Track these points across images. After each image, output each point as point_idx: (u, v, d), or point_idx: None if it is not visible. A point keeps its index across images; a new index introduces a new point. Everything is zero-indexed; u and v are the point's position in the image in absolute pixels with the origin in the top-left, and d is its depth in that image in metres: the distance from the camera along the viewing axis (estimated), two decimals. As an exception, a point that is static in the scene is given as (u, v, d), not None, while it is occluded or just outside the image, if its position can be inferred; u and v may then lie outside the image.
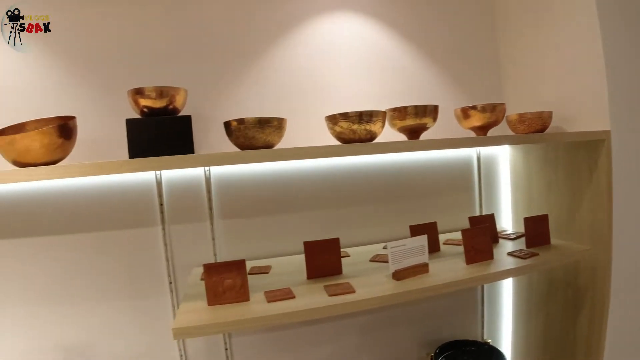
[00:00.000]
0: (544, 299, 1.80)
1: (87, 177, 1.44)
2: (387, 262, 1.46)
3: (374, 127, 1.33)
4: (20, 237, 1.48)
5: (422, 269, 1.39)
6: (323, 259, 1.40)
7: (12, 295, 1.50)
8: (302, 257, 1.55)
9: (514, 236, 1.74)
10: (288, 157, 1.25)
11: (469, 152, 1.89)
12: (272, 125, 1.27)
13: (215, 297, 1.24)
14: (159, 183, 1.52)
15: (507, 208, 1.96)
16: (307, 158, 1.28)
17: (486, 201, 1.92)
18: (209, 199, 1.56)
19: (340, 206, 1.73)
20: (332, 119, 1.32)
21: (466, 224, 1.83)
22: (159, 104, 1.30)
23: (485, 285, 1.95)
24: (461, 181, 1.89)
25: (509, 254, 1.52)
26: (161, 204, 1.53)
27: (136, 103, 1.29)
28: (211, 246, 1.58)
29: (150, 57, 1.54)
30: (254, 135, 1.26)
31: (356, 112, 1.29)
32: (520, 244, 1.62)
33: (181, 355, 1.59)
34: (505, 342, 2.01)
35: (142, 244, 1.54)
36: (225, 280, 1.25)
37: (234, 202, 1.61)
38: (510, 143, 1.69)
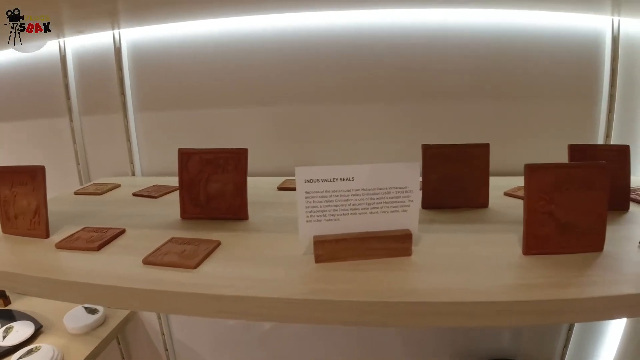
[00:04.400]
0: None
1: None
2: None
3: None
4: None
5: (393, 245, 0.50)
6: (211, 187, 0.63)
7: None
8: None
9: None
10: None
11: (598, 25, 0.75)
12: None
13: (7, 221, 0.63)
14: (62, 57, 0.93)
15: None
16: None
17: (620, 123, 0.77)
18: (121, 81, 0.91)
19: (345, 99, 0.86)
20: None
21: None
22: None
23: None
24: (573, 79, 0.77)
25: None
26: (67, 86, 0.94)
27: None
28: (126, 150, 0.95)
29: None
30: None
31: None
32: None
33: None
34: None
35: (50, 137, 1.00)
36: (18, 198, 0.62)
37: (159, 86, 0.91)
38: None
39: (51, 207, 0.64)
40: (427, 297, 0.42)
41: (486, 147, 0.65)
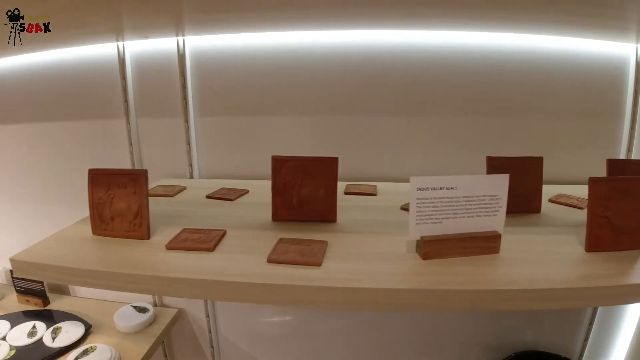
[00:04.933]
0: None
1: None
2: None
3: None
4: None
5: (485, 244, 0.57)
6: (303, 191, 0.68)
7: None
8: None
9: None
10: None
11: (624, 52, 0.85)
12: None
13: (101, 223, 0.65)
14: (122, 60, 0.93)
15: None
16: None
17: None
18: (184, 86, 0.92)
19: (382, 111, 0.91)
20: None
21: (599, 173, 0.88)
22: None
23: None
24: (600, 100, 0.87)
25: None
26: (125, 89, 0.95)
27: None
28: (185, 153, 0.96)
29: None
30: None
31: None
32: None
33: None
34: None
35: (105, 139, 1.01)
36: (115, 201, 0.63)
37: (220, 92, 0.93)
38: None
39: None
40: (524, 285, 0.49)
41: (540, 159, 0.73)
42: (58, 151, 1.05)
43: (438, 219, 0.56)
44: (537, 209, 0.74)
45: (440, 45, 0.88)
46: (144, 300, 1.10)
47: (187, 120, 0.94)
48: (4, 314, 1.08)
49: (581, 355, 1.02)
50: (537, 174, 0.74)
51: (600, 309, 0.99)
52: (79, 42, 0.93)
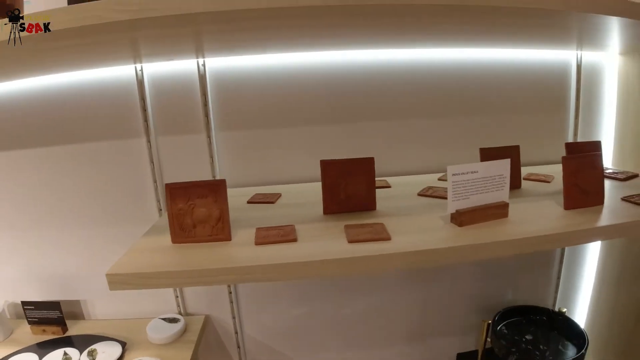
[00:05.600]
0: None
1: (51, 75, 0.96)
2: (443, 197, 0.87)
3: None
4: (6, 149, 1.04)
5: (499, 211, 0.77)
6: (349, 188, 0.82)
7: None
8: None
9: (623, 177, 1.04)
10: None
11: (567, 58, 1.14)
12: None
13: (181, 231, 0.72)
14: (140, 81, 0.98)
15: (610, 140, 1.22)
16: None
17: (583, 128, 1.18)
18: (205, 104, 1.01)
19: (380, 118, 1.09)
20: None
21: (552, 157, 1.14)
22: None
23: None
24: (551, 97, 1.15)
25: (624, 199, 0.85)
26: (144, 109, 1.00)
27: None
28: (209, 165, 1.04)
29: None
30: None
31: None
32: (635, 189, 0.94)
33: (177, 296, 1.14)
34: (580, 315, 1.35)
35: (125, 159, 1.04)
36: (197, 209, 0.71)
37: (238, 108, 1.03)
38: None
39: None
40: (529, 234, 0.69)
41: (517, 147, 0.96)
42: (76, 173, 1.04)
43: (466, 195, 0.74)
44: (518, 185, 0.97)
45: (434, 60, 1.07)
46: (168, 312, 1.13)
47: (209, 136, 1.01)
48: (24, 347, 1.03)
49: (554, 303, 1.31)
50: (516, 158, 0.97)
51: (565, 261, 1.28)
52: (97, 66, 0.95)
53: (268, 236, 0.71)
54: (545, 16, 0.70)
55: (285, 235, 0.71)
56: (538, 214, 0.79)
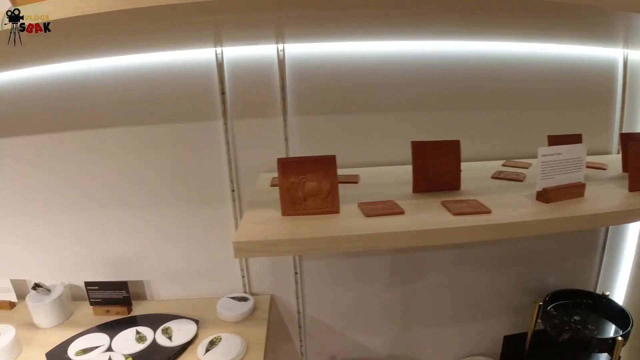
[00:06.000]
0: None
1: (135, 54, 0.98)
2: (514, 180, 0.94)
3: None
4: (56, 131, 1.05)
5: (577, 190, 0.84)
6: (436, 168, 0.87)
7: (52, 200, 1.11)
8: (399, 169, 1.06)
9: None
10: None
11: (614, 55, 1.20)
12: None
13: (292, 204, 0.75)
14: (219, 65, 1.01)
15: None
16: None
17: (628, 122, 1.25)
18: (282, 88, 1.04)
19: (450, 108, 1.14)
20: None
21: (598, 148, 1.22)
22: None
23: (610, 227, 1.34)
24: (596, 92, 1.22)
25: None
26: (223, 92, 1.03)
27: None
28: (283, 148, 1.08)
29: None
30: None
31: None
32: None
33: (243, 276, 1.17)
34: (619, 297, 1.41)
35: (200, 141, 1.06)
36: (308, 183, 0.75)
37: (314, 94, 1.07)
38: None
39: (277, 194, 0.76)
40: (604, 211, 0.75)
41: (579, 135, 1.01)
42: (146, 154, 1.06)
43: (552, 175, 0.80)
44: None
45: (509, 54, 1.12)
46: (231, 292, 1.16)
47: (285, 119, 1.05)
48: (87, 328, 1.04)
49: (595, 286, 1.38)
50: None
51: (607, 246, 1.34)
52: (178, 48, 0.98)
53: (375, 209, 0.76)
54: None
55: (391, 208, 0.76)
56: (607, 195, 0.86)
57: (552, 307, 1.22)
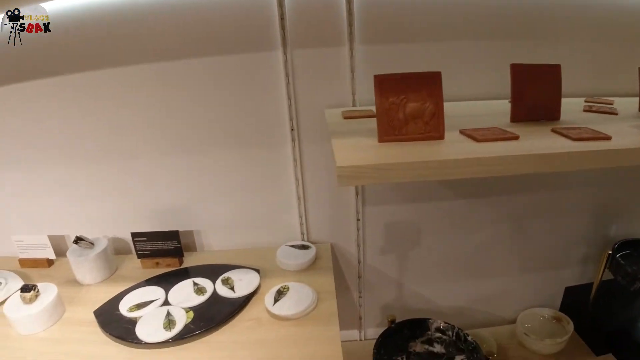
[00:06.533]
0: None
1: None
2: (609, 113, 0.86)
3: None
4: (98, 68, 0.94)
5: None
6: (535, 94, 0.78)
7: (92, 147, 1.01)
8: (480, 103, 0.97)
9: None
10: None
11: None
12: None
13: (391, 128, 0.66)
14: (280, -12, 0.89)
15: None
16: None
17: None
18: (349, 12, 0.92)
19: (531, 37, 1.00)
20: None
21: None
22: None
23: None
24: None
25: None
26: (282, 18, 0.91)
27: None
28: (349, 82, 0.97)
29: None
30: None
31: None
32: None
33: (301, 223, 1.09)
34: None
35: (256, 73, 0.95)
36: (409, 104, 0.66)
37: (385, 19, 0.94)
38: None
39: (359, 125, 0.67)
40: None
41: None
42: (202, 91, 0.96)
43: None
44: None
45: None
46: (288, 240, 1.09)
47: (351, 48, 0.93)
48: (137, 282, 0.97)
49: None
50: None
51: None
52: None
53: (485, 135, 0.67)
54: None
55: (498, 134, 0.67)
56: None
57: (621, 256, 1.18)
